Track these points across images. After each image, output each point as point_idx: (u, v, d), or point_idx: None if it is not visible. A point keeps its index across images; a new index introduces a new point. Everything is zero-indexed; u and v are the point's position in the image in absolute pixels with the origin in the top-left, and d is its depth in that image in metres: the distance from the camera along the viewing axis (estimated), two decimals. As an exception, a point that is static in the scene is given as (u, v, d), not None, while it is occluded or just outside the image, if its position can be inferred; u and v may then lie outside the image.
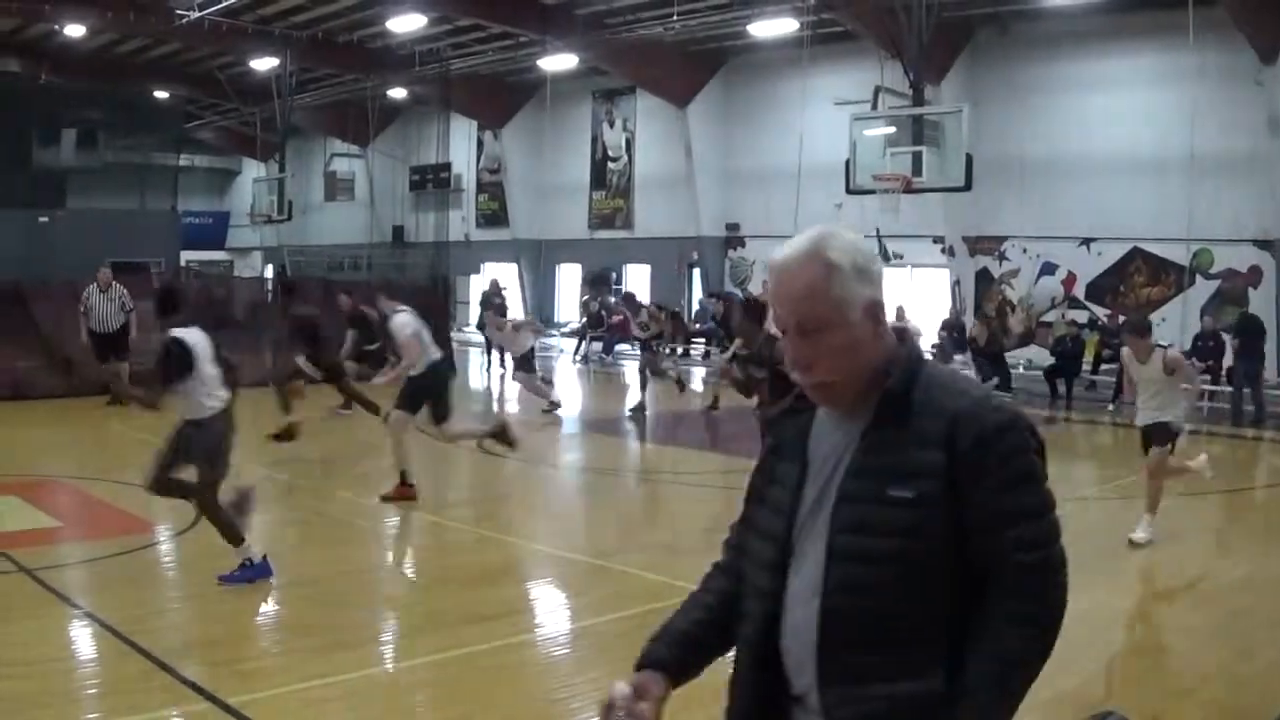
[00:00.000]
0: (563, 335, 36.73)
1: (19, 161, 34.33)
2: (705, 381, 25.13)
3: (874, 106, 24.66)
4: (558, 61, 33.59)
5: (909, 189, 22.99)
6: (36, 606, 7.96)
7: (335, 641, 7.41)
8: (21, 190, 32.71)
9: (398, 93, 40.30)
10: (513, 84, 39.75)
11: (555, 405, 19.61)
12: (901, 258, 30.17)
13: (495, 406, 22.49)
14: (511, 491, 12.97)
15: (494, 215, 43.39)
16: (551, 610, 9.03)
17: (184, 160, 43.97)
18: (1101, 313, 26.31)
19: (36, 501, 11.25)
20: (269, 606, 8.55)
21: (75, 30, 34.01)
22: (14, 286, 20.90)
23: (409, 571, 10.17)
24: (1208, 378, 21.14)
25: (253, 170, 49.79)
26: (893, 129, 23.56)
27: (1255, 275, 24.76)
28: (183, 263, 33.77)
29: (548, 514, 10.65)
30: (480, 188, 44.16)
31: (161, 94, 41.54)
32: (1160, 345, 10.63)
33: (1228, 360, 22.17)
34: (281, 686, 6.58)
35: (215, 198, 55.28)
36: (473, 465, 15.00)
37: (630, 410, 20.10)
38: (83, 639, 7.48)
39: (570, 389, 25.98)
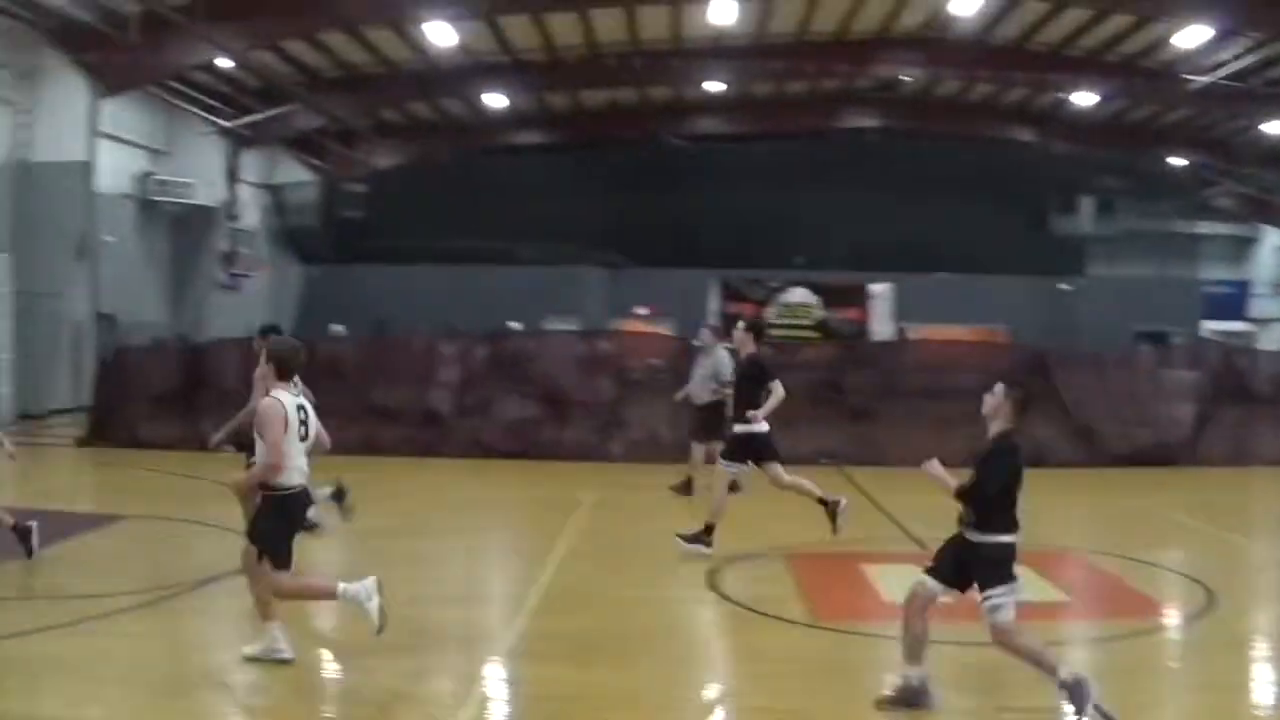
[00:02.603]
0: None
1: (1037, 229, 35.50)
2: None
3: None
4: None
5: None
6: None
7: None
8: (1041, 257, 33.73)
9: None
10: None
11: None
12: None
13: None
14: None
15: None
16: None
17: (1201, 227, 43.03)
18: None
19: (1047, 574, 11.19)
20: None
21: (1084, 99, 34.65)
22: (1036, 353, 21.40)
23: None
24: None
25: (1273, 237, 47.52)
26: None
27: None
28: (1202, 332, 32.92)
29: None
30: None
31: (1176, 160, 41.06)
32: None
33: None
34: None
35: (1235, 266, 53.44)
36: None
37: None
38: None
39: None
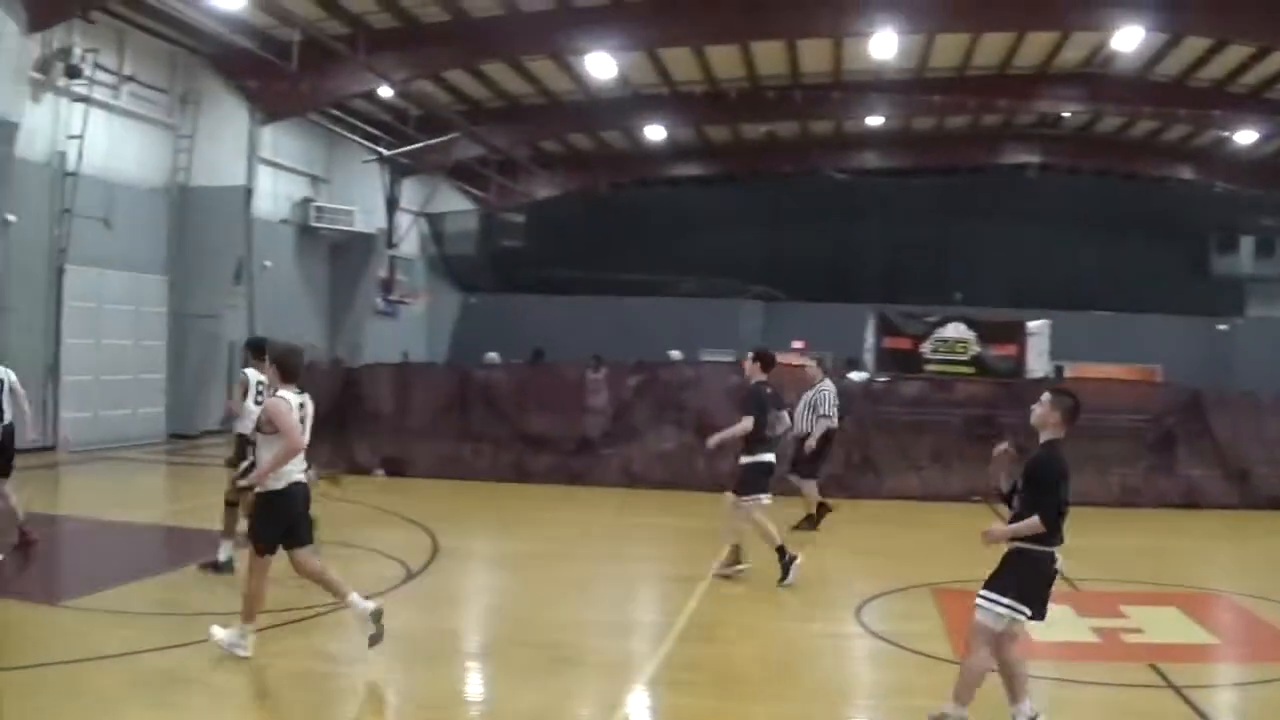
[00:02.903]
0: None
1: (1197, 268, 34.88)
2: None
3: None
4: None
5: None
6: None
7: None
8: (1200, 297, 33.09)
9: None
10: None
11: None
12: None
13: None
14: None
15: None
16: None
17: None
18: None
19: (1196, 616, 11.08)
20: None
21: (1245, 137, 33.99)
22: (1192, 393, 21.04)
23: None
24: None
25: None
26: None
27: None
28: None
29: None
30: None
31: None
32: None
33: None
34: None
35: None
36: None
37: None
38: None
39: None
